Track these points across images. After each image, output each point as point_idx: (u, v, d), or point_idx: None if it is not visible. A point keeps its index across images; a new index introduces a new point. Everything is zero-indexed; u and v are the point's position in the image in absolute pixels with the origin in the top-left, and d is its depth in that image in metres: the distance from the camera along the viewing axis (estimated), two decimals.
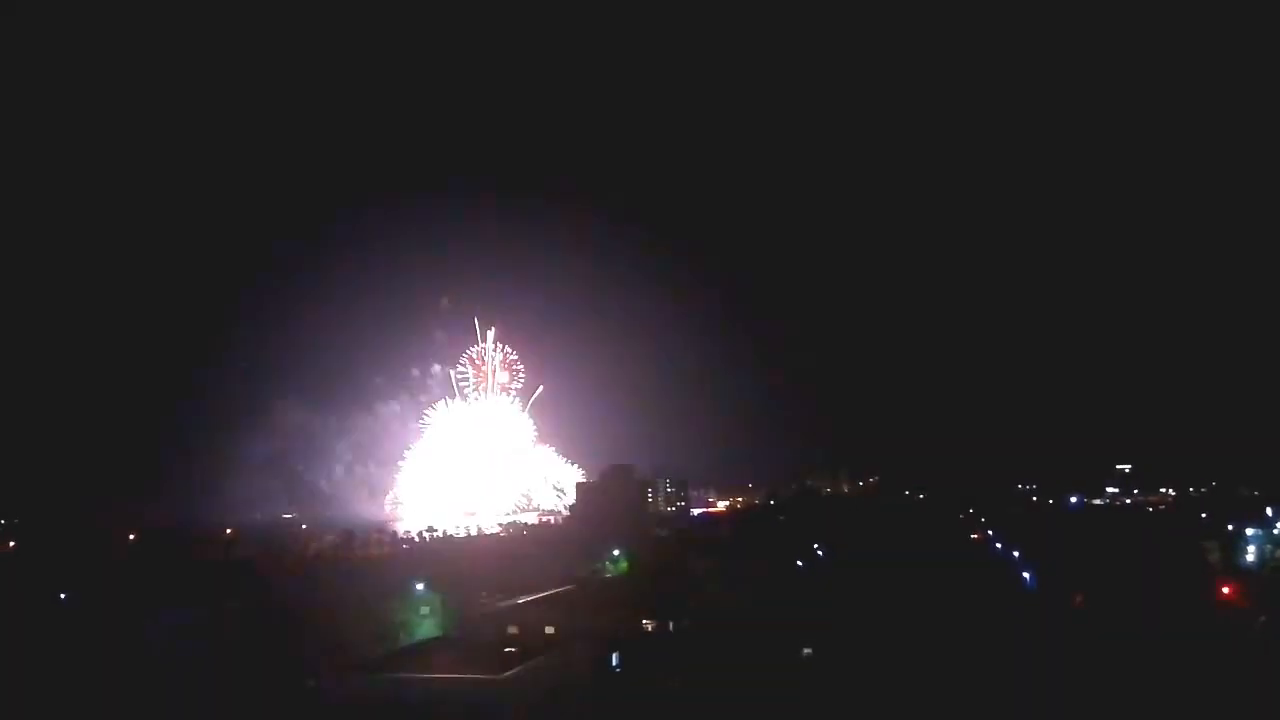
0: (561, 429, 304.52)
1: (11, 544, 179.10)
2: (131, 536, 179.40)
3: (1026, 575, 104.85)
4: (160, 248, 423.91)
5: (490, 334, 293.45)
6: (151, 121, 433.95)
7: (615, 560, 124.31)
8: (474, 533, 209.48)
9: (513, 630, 55.87)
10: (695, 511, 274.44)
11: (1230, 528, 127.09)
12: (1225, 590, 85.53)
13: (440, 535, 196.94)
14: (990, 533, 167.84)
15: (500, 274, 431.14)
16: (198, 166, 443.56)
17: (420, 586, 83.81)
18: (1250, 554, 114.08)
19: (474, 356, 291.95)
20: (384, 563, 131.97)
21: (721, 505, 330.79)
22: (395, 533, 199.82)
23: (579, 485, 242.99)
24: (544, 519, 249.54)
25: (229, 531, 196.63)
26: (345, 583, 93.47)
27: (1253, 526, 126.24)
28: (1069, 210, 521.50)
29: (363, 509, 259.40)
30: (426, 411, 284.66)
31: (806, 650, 63.71)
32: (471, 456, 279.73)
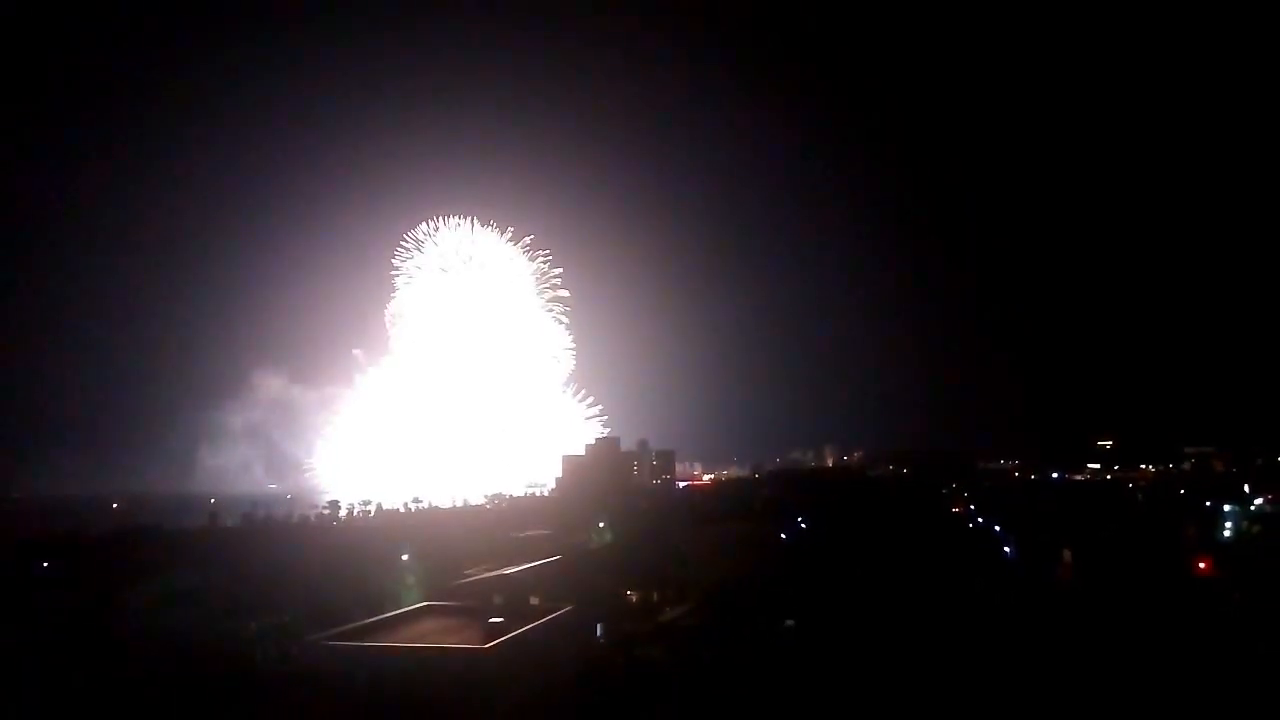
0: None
1: None
2: (115, 505, 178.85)
3: (1007, 549, 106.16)
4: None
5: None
6: (126, 95, 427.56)
7: (600, 531, 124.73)
8: (460, 504, 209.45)
9: (498, 600, 55.94)
10: (680, 484, 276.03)
11: (1208, 504, 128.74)
12: (1201, 565, 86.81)
13: (425, 506, 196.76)
14: (972, 506, 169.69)
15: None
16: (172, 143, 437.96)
17: (405, 556, 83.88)
18: (1227, 529, 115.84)
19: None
20: (369, 532, 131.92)
21: (707, 479, 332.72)
22: (380, 502, 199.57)
23: (565, 458, 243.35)
24: (530, 491, 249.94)
25: (213, 501, 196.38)
26: (329, 551, 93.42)
27: (1230, 503, 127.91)
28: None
29: (345, 479, 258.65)
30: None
31: (789, 621, 64.35)
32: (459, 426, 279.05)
